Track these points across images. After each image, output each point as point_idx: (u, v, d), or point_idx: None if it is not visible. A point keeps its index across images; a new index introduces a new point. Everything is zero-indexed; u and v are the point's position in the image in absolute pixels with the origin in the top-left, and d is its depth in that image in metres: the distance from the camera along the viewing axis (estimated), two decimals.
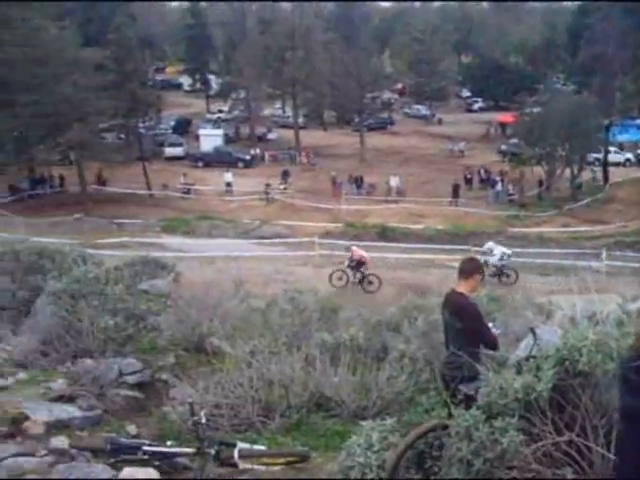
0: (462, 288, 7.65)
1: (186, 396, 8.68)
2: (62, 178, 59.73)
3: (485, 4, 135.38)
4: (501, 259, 32.16)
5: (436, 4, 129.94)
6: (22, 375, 9.74)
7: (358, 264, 30.01)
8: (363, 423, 6.50)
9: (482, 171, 61.29)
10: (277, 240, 39.86)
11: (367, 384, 9.12)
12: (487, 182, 59.78)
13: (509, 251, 32.80)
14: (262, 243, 39.48)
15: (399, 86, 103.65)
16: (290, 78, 76.58)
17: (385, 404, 8.98)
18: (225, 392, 8.69)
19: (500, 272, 32.13)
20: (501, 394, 5.90)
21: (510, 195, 56.24)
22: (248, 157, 69.08)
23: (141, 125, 62.60)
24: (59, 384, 9.16)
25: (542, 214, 50.52)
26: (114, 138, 63.21)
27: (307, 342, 10.42)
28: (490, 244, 33.25)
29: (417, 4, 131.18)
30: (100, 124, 58.99)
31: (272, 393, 8.76)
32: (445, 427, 6.04)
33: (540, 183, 57.75)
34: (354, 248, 30.93)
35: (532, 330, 7.49)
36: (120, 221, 46.20)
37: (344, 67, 74.09)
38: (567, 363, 5.73)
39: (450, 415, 6.43)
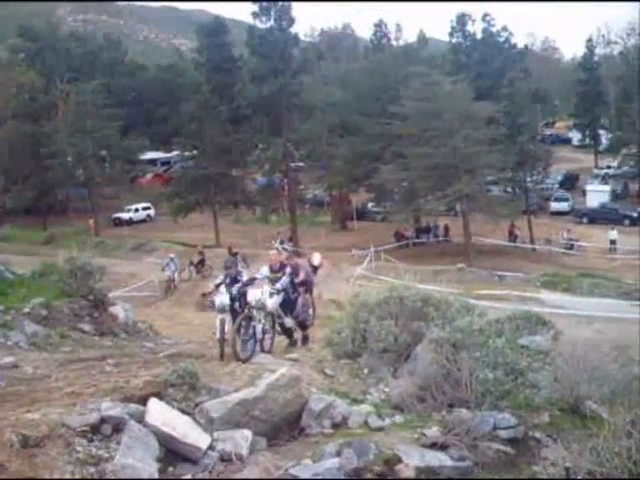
0: None
1: (558, 457, 8.57)
2: (447, 228, 61.63)
3: None
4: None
5: None
6: (398, 418, 10.13)
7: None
8: None
9: None
10: None
11: None
12: None
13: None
14: None
15: None
16: None
17: None
18: (600, 459, 8.42)
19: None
20: None
21: None
22: (635, 214, 66.52)
23: (528, 179, 62.68)
24: (433, 431, 9.40)
25: None
26: (500, 191, 63.93)
27: None
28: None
29: None
30: (488, 177, 60.07)
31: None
32: None
33: None
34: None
35: None
36: (501, 273, 46.53)
37: None
38: None
39: None
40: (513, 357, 11.10)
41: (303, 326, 17.11)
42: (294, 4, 65.52)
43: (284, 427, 9.51)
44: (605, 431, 8.72)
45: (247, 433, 8.69)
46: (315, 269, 18.18)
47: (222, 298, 15.55)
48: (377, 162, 59.93)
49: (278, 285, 15.18)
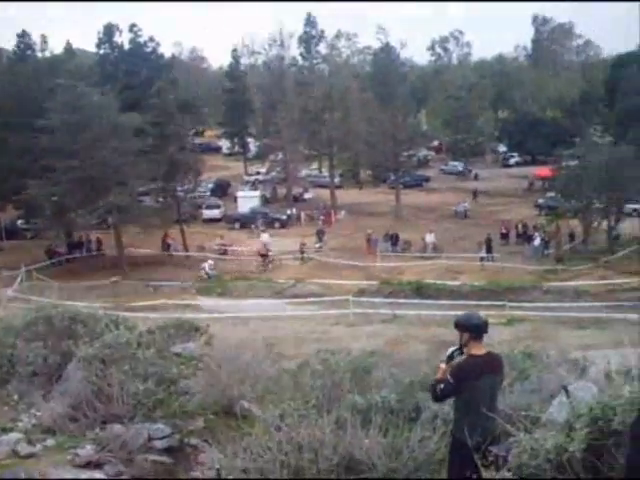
0: (484, 348, 7.54)
1: (215, 461, 8.68)
2: (99, 242, 60.50)
3: (522, 59, 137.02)
4: None
5: (473, 61, 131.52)
6: (50, 441, 9.75)
7: None
8: None
9: (519, 226, 61.01)
10: (311, 299, 39.82)
11: (398, 446, 9.01)
12: (524, 237, 59.40)
13: None
14: (296, 302, 39.42)
15: (435, 143, 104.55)
16: (327, 138, 77.50)
17: (417, 465, 8.83)
18: (254, 456, 8.63)
19: None
20: (532, 455, 5.75)
21: (546, 249, 55.90)
22: (284, 217, 69.63)
23: (180, 188, 63.16)
24: (87, 450, 9.15)
25: (579, 267, 49.88)
26: (152, 201, 63.87)
27: (338, 404, 10.34)
28: None
29: (454, 61, 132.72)
30: (139, 188, 59.82)
31: (302, 457, 8.68)
32: None
33: (571, 236, 57.49)
34: None
35: (564, 388, 7.38)
36: (157, 283, 46.56)
37: (380, 126, 74.59)
38: (601, 422, 5.49)
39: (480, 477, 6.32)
40: (164, 366, 11.09)
41: None
42: None
43: None
44: (257, 428, 8.95)
45: None
46: None
47: None
48: (25, 177, 57.50)
49: None
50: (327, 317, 35.11)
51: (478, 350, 7.41)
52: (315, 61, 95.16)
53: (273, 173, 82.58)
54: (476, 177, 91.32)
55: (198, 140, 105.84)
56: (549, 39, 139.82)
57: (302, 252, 55.05)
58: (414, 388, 11.96)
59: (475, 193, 77.89)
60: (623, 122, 71.37)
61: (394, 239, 58.92)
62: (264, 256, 53.34)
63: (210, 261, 51.98)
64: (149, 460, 9.19)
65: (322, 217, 69.19)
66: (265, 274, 50.29)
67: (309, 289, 43.25)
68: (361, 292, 41.16)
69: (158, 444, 9.57)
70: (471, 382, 7.33)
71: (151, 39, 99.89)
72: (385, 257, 53.80)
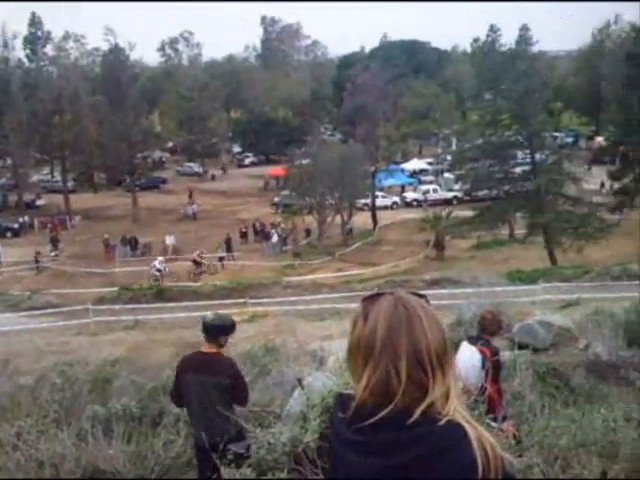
0: (214, 347, 7.62)
1: None
2: None
3: (252, 60, 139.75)
4: None
5: (203, 61, 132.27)
6: None
7: None
8: None
9: (257, 224, 62.21)
10: (49, 310, 38.33)
11: (143, 452, 8.96)
12: (261, 234, 60.60)
13: None
14: (33, 315, 37.76)
15: (170, 144, 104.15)
16: (58, 142, 75.18)
17: (164, 469, 8.85)
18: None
19: None
20: (269, 449, 5.92)
21: (284, 245, 57.45)
22: (16, 225, 66.70)
23: None
24: None
25: (315, 261, 51.73)
26: None
27: (79, 416, 10.13)
28: None
29: (185, 62, 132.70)
30: None
31: (43, 473, 8.44)
32: None
33: (307, 232, 59.72)
34: None
35: (299, 380, 7.59)
36: None
37: (113, 128, 73.31)
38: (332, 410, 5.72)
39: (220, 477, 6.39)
40: None
41: None
42: None
43: None
44: None
45: None
46: None
47: None
48: None
49: None
50: (67, 328, 33.93)
51: (209, 349, 7.64)
52: (42, 63, 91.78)
53: (2, 180, 79.00)
54: (213, 178, 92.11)
55: None
56: (278, 39, 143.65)
57: (37, 261, 52.93)
58: (157, 393, 11.94)
59: (191, 194, 77.68)
60: (350, 121, 74.53)
61: (133, 243, 58.12)
62: (197, 263, 50.73)
63: (160, 258, 49.64)
64: None
65: (50, 224, 66.16)
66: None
67: (46, 300, 41.56)
68: (101, 300, 40.23)
69: None
70: (182, 378, 7.66)
71: None
72: (125, 262, 52.98)
